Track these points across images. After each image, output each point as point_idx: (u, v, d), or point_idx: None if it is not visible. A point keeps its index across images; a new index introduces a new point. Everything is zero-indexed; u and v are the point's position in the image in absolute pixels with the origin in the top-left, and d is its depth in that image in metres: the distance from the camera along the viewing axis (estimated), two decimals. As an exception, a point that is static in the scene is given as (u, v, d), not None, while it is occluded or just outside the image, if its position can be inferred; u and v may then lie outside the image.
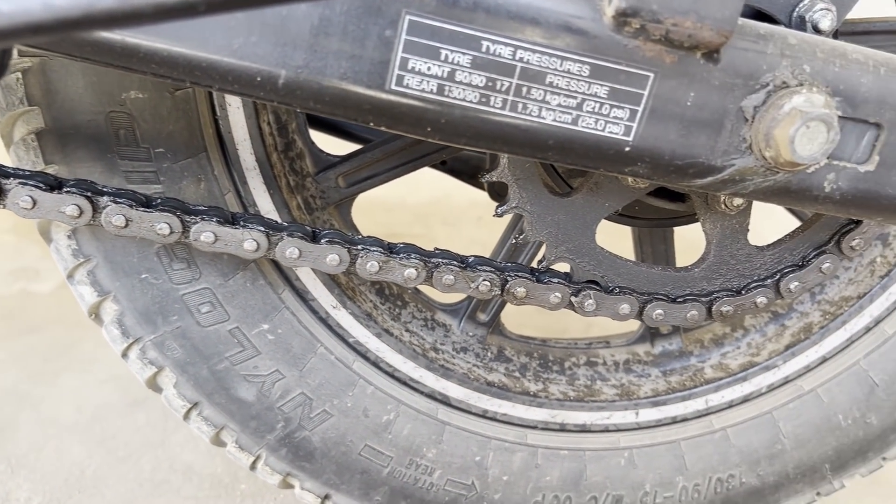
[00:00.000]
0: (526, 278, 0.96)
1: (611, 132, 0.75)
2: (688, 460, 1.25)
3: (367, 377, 1.14)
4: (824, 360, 1.26)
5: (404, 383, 1.17)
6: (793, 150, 0.74)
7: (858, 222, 0.99)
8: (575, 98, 0.73)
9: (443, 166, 1.49)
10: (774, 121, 0.75)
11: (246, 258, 0.91)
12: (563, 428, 1.25)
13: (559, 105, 0.73)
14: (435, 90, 0.71)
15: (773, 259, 1.01)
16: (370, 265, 0.91)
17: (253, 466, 1.13)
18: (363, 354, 1.14)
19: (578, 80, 0.72)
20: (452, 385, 1.21)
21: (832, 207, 0.82)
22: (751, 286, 1.01)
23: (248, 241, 0.88)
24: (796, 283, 1.01)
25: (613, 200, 0.94)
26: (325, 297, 1.11)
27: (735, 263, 1.00)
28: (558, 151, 0.76)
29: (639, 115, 0.74)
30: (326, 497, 1.15)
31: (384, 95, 0.71)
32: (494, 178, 0.91)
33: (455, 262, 0.94)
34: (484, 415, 1.22)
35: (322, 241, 0.90)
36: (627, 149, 0.76)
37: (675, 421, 1.27)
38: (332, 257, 0.90)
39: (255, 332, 1.05)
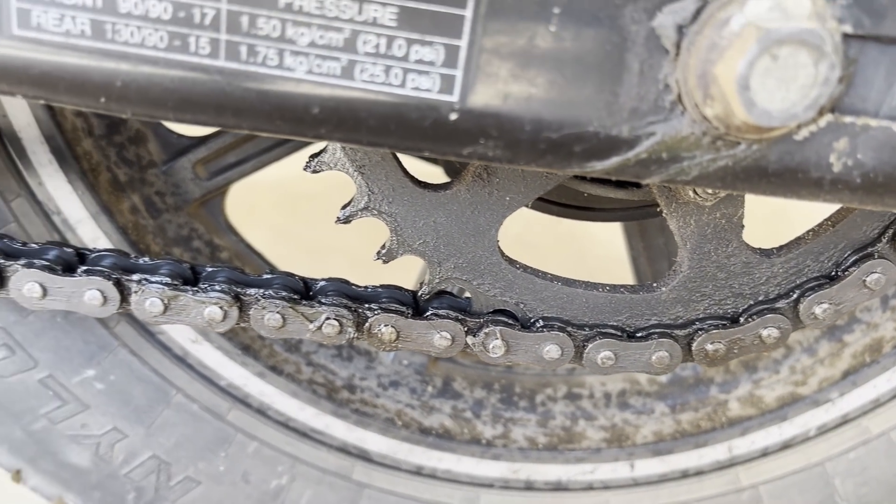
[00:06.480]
0: (397, 312, 0.64)
1: (418, 87, 0.43)
2: (704, 531, 0.92)
3: (249, 430, 0.87)
4: (900, 391, 0.90)
5: (303, 435, 0.89)
6: (748, 103, 0.40)
7: (926, 208, 0.62)
8: (340, 31, 0.41)
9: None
10: (714, 49, 0.40)
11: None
12: (529, 486, 0.94)
13: (313, 44, 0.41)
14: (89, 32, 0.41)
15: (788, 269, 0.65)
16: (150, 303, 0.62)
17: (109, 546, 0.88)
18: (242, 400, 0.87)
19: (339, -3, 0.41)
20: (372, 435, 0.92)
21: (850, 196, 0.47)
22: (753, 311, 0.66)
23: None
24: (826, 306, 0.65)
25: (517, 191, 0.61)
26: (179, 329, 0.84)
27: (725, 277, 0.65)
28: (335, 126, 0.44)
29: (462, 55, 0.42)
30: (210, 581, 0.89)
31: (6, 43, 0.42)
32: (323, 169, 0.60)
33: (286, 293, 0.64)
34: (419, 472, 0.93)
35: (79, 272, 0.62)
36: (454, 115, 0.43)
37: (685, 475, 0.93)
38: (93, 294, 0.61)
39: (76, 380, 0.80)
